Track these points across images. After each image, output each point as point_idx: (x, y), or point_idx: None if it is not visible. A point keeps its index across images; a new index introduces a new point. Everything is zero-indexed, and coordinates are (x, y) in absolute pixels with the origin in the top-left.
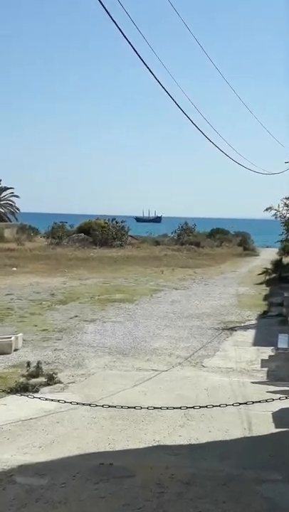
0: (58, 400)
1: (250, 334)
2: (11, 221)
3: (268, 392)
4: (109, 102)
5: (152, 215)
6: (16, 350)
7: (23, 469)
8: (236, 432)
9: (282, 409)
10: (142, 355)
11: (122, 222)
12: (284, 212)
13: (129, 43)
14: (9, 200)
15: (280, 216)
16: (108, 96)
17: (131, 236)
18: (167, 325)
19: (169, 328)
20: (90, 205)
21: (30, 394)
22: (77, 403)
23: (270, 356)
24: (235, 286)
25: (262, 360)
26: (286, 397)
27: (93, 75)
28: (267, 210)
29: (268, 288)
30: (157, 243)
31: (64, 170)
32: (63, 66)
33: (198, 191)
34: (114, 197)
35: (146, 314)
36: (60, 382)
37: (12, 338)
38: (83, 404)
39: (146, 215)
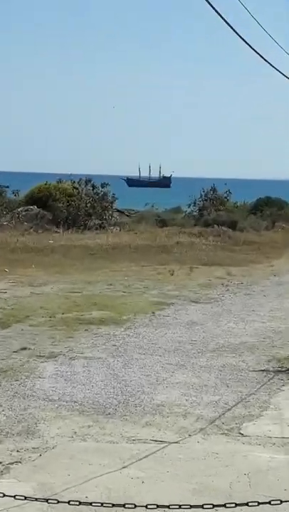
0: None
1: None
2: None
3: None
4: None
5: (155, 174)
6: None
7: None
8: None
9: None
10: (136, 416)
11: (103, 184)
12: None
13: None
14: None
15: None
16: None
17: (119, 211)
18: (181, 364)
19: (183, 369)
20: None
21: None
22: (25, 497)
23: None
24: None
25: None
26: None
27: None
28: None
29: None
30: (164, 223)
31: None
32: None
33: (225, 142)
34: (101, 149)
35: (144, 345)
36: None
37: None
38: (36, 499)
39: (145, 174)
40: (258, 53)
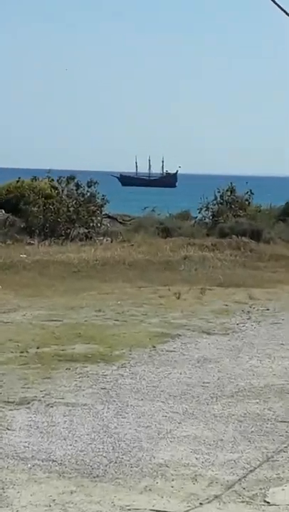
0: None
1: None
2: None
3: None
4: None
5: (157, 170)
6: None
7: None
8: None
9: None
10: (132, 480)
11: (89, 183)
12: None
13: None
14: None
15: None
16: None
17: (110, 217)
18: (189, 413)
19: (192, 419)
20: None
21: None
22: None
23: None
24: None
25: None
26: None
27: None
28: None
29: None
30: (167, 232)
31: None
32: None
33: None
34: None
35: (142, 389)
36: None
37: None
38: None
39: (143, 171)
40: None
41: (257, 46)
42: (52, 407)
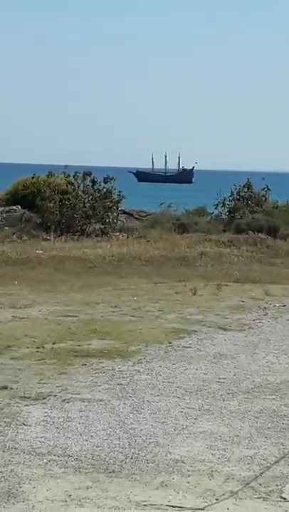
0: None
1: None
2: None
3: None
4: None
5: (173, 166)
6: None
7: None
8: None
9: None
10: (148, 475)
11: (106, 179)
12: None
13: None
14: None
15: None
16: None
17: (126, 213)
18: (205, 408)
19: (208, 415)
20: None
21: None
22: None
23: None
24: None
25: None
26: None
27: None
28: None
29: None
30: (184, 228)
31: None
32: None
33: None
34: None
35: (158, 385)
36: None
37: None
38: None
39: (160, 167)
40: None
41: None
42: (68, 402)
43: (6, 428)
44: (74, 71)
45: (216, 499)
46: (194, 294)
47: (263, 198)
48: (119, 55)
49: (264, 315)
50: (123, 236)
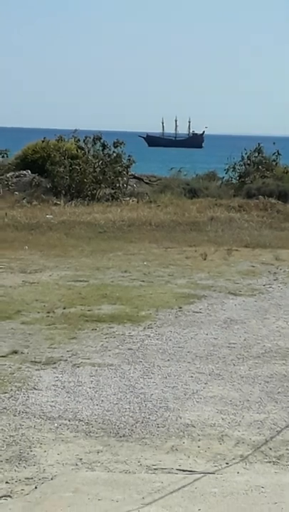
0: None
1: None
2: None
3: None
4: None
5: (183, 131)
6: None
7: None
8: None
9: None
10: (159, 439)
11: (116, 144)
12: None
13: None
14: None
15: None
16: None
17: (136, 177)
18: (216, 373)
19: (219, 380)
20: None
21: None
22: None
23: None
24: None
25: None
26: None
27: None
28: None
29: None
30: (194, 193)
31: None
32: None
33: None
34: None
35: (168, 349)
36: None
37: None
38: None
39: (170, 131)
40: None
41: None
42: (78, 367)
43: (16, 392)
44: (85, 36)
45: (227, 463)
46: (204, 259)
47: (274, 163)
48: (136, 18)
49: (274, 280)
50: (133, 201)
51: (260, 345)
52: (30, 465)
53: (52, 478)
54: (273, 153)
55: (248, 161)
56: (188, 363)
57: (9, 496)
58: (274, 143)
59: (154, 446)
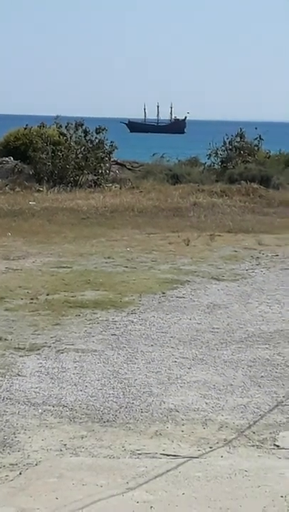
0: None
1: None
2: None
3: None
4: None
5: (165, 117)
6: None
7: None
8: None
9: None
10: (142, 424)
11: (98, 130)
12: None
13: None
14: None
15: None
16: None
17: (118, 163)
18: (199, 358)
19: (202, 364)
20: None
21: None
22: None
23: None
24: None
25: None
26: None
27: None
28: None
29: None
30: (177, 179)
31: None
32: None
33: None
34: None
35: (151, 335)
36: None
37: None
38: None
39: (152, 117)
40: None
41: None
42: (62, 353)
43: (0, 379)
44: (68, 21)
45: (210, 447)
46: (187, 245)
47: (256, 148)
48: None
49: (257, 265)
50: (116, 187)
51: (243, 329)
52: (14, 451)
53: (36, 464)
54: (255, 138)
55: (230, 147)
56: (172, 348)
57: None
58: (256, 128)
59: (138, 431)
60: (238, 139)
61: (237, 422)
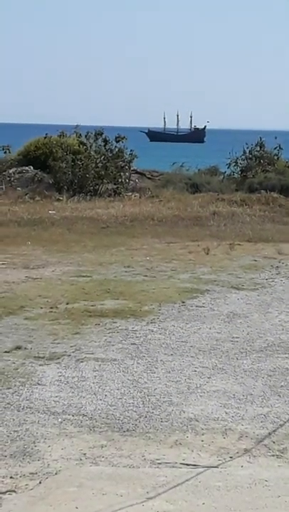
0: None
1: None
2: None
3: None
4: None
5: (185, 126)
6: None
7: None
8: None
9: None
10: (162, 434)
11: (117, 138)
12: None
13: None
14: None
15: None
16: None
17: (138, 172)
18: (219, 367)
19: (222, 374)
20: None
21: None
22: None
23: None
24: None
25: None
26: None
27: None
28: None
29: None
30: (196, 188)
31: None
32: None
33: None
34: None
35: (171, 344)
36: None
37: None
38: None
39: (172, 126)
40: None
41: None
42: (82, 362)
43: (20, 388)
44: (84, 30)
45: (230, 457)
46: (207, 254)
47: (276, 157)
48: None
49: (277, 274)
50: (135, 196)
51: (263, 339)
52: (34, 460)
53: (56, 473)
54: (275, 148)
55: (250, 156)
56: (192, 357)
57: (14, 491)
58: (276, 137)
59: (158, 441)
60: (258, 148)
61: (257, 431)
